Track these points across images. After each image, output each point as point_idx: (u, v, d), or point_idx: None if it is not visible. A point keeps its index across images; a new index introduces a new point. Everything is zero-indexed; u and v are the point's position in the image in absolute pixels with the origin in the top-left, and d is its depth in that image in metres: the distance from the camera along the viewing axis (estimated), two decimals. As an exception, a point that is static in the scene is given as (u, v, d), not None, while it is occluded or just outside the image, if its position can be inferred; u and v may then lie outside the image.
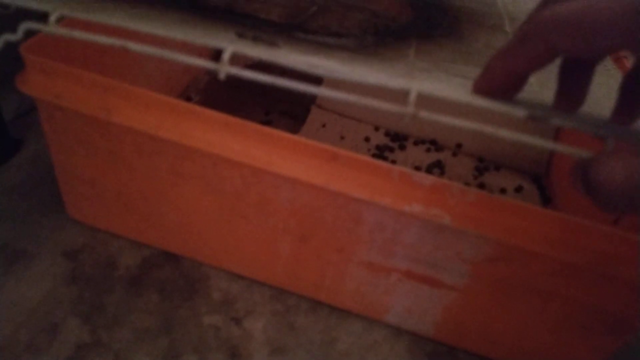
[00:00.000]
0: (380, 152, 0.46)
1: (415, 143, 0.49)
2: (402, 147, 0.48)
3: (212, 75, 0.54)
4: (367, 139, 0.47)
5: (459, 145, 0.48)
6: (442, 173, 0.45)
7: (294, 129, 0.47)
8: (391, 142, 0.48)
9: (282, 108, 0.50)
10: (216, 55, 0.34)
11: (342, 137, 0.47)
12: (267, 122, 0.48)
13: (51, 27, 0.18)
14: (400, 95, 0.17)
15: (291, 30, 0.28)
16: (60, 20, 0.19)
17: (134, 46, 0.18)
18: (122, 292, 0.32)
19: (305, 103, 0.50)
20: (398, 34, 0.30)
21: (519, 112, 0.17)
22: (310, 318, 0.33)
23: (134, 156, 0.29)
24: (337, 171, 0.25)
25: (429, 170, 0.45)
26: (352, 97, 0.17)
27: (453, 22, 0.33)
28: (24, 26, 0.18)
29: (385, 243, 0.28)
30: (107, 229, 0.35)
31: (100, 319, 0.31)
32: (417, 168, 0.45)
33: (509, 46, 0.19)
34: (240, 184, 0.28)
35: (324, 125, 0.48)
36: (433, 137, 0.48)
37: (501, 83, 0.19)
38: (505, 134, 0.17)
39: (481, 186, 0.45)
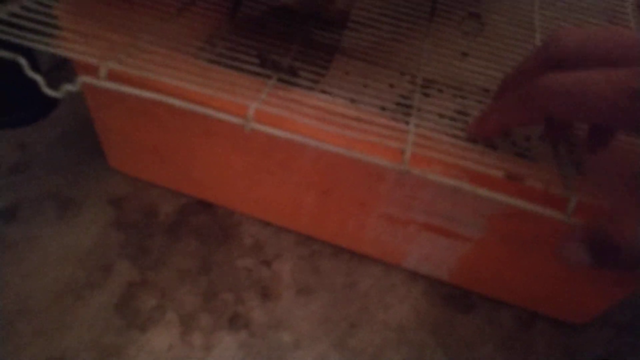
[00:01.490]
0: (404, 100, 0.46)
1: (440, 90, 0.48)
2: (427, 95, 0.48)
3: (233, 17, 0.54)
4: (391, 86, 0.47)
5: (486, 90, 0.48)
6: (466, 122, 0.46)
7: (319, 76, 0.48)
8: (415, 89, 0.48)
9: (308, 53, 0.50)
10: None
11: (365, 85, 0.47)
12: (292, 69, 0.48)
13: (102, 82, 0.20)
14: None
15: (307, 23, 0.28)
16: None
17: (175, 101, 0.20)
18: (164, 236, 0.36)
19: (330, 50, 0.49)
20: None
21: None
22: (332, 262, 0.36)
23: (167, 116, 0.31)
24: (358, 135, 0.27)
25: (454, 118, 0.46)
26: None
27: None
28: (80, 80, 0.20)
29: (405, 199, 0.30)
30: (146, 179, 0.38)
31: (146, 261, 0.34)
32: (442, 116, 0.46)
33: (507, 105, 0.20)
34: (266, 143, 0.30)
35: (347, 73, 0.48)
36: (458, 84, 0.48)
37: (493, 132, 0.22)
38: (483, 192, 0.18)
39: (507, 134, 0.45)
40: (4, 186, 0.37)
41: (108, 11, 0.29)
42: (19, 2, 0.25)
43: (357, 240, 0.35)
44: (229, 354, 0.30)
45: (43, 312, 0.31)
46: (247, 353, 0.31)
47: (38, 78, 0.22)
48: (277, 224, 0.37)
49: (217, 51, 0.29)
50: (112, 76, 0.23)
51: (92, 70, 0.23)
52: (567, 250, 0.19)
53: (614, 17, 0.38)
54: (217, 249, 0.35)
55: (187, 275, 0.34)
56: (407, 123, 0.27)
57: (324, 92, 0.29)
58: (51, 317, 0.31)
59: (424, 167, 0.24)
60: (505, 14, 0.37)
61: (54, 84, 0.43)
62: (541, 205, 0.22)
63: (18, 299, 0.31)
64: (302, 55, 0.32)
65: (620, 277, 0.30)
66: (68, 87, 0.21)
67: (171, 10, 0.30)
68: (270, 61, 0.28)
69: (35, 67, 0.39)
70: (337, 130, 0.24)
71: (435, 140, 0.26)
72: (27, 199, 0.37)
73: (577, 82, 0.16)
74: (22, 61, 0.22)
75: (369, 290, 0.35)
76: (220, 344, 0.31)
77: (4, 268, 0.33)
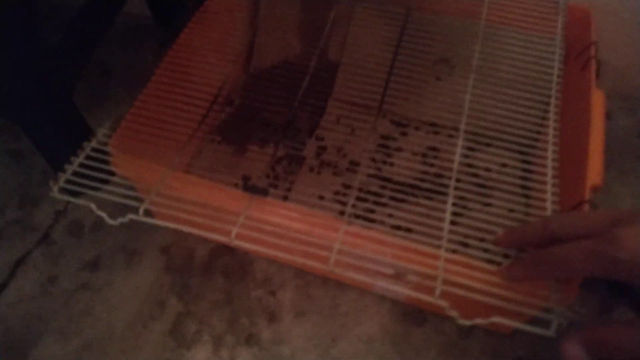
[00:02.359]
0: (384, 142, 0.57)
1: (416, 127, 0.58)
2: (404, 134, 0.57)
3: (248, 74, 0.65)
4: (374, 128, 0.57)
5: (455, 128, 0.56)
6: (436, 157, 0.55)
7: (314, 121, 0.58)
8: (395, 130, 0.58)
9: (306, 101, 0.61)
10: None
11: (353, 130, 0.58)
12: (292, 116, 0.59)
13: (141, 217, 0.33)
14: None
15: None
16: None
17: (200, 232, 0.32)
18: (200, 275, 0.50)
19: (324, 96, 0.60)
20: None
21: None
22: (322, 289, 0.48)
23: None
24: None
25: (425, 155, 0.55)
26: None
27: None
28: (129, 216, 0.33)
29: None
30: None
31: (188, 296, 0.48)
32: (415, 154, 0.56)
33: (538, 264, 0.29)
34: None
35: (338, 120, 0.58)
36: (433, 121, 0.57)
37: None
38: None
39: (469, 166, 0.54)
40: (89, 242, 0.52)
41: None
42: (84, 153, 0.39)
43: (339, 276, 0.47)
44: (246, 364, 0.44)
45: (122, 337, 0.46)
46: (258, 362, 0.44)
47: (103, 214, 0.35)
48: (280, 262, 0.50)
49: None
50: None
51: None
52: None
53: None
54: (237, 282, 0.49)
55: (217, 305, 0.48)
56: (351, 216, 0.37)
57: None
58: (128, 341, 0.46)
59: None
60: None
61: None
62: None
63: (106, 328, 0.47)
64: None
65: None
66: (132, 216, 0.34)
67: (183, 138, 0.42)
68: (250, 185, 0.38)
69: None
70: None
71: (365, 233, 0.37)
72: (105, 252, 0.52)
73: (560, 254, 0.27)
74: (93, 206, 0.35)
75: (348, 310, 0.47)
76: (240, 356, 0.45)
77: (95, 306, 0.48)
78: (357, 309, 0.47)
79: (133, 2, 0.59)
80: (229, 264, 0.50)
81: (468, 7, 0.51)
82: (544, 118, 0.44)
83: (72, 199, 0.37)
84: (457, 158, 0.41)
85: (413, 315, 0.47)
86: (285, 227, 0.36)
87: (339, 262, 0.34)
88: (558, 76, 0.45)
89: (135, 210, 0.35)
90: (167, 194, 0.37)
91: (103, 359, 0.45)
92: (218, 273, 0.50)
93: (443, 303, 0.32)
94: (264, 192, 0.37)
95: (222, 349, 0.45)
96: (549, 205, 0.37)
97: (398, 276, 0.35)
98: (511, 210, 0.38)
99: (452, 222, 0.37)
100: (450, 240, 0.35)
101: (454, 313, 0.32)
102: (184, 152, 0.41)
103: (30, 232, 0.54)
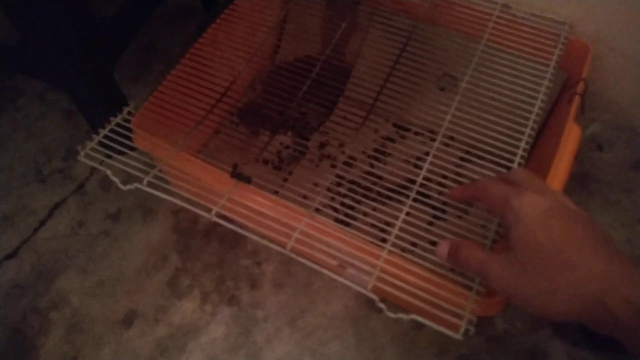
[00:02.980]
0: (382, 145, 0.61)
1: (416, 133, 0.62)
2: (404, 137, 0.62)
3: (273, 66, 0.71)
4: (376, 131, 0.62)
5: (451, 138, 0.60)
6: (418, 167, 0.59)
7: (323, 115, 0.64)
8: (395, 133, 0.62)
9: (319, 95, 0.66)
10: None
11: (357, 129, 0.62)
12: (304, 110, 0.65)
13: (144, 187, 0.40)
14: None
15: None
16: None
17: (189, 206, 0.39)
18: (200, 239, 0.57)
19: (336, 94, 0.65)
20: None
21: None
22: (300, 267, 0.55)
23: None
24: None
25: (416, 161, 0.60)
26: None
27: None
28: (135, 184, 0.40)
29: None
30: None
31: (187, 254, 0.56)
32: (407, 161, 0.60)
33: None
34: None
35: (345, 117, 0.63)
36: (431, 128, 0.61)
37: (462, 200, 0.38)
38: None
39: (457, 174, 0.58)
40: (114, 197, 0.61)
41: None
42: (110, 127, 0.46)
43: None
44: (224, 320, 0.52)
45: (129, 280, 0.55)
46: (235, 320, 0.52)
47: (116, 180, 0.43)
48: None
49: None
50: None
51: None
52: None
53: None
54: (229, 250, 0.56)
55: (209, 267, 0.56)
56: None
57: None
58: (133, 284, 0.55)
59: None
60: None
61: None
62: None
63: (117, 272, 0.56)
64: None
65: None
66: (138, 185, 0.42)
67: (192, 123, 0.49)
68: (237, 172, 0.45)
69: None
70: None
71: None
72: (127, 207, 0.60)
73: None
74: (109, 172, 0.43)
75: (319, 289, 0.54)
76: (221, 312, 0.53)
77: (112, 252, 0.57)
78: (328, 289, 0.54)
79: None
80: (226, 233, 0.58)
81: (473, 25, 0.54)
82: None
83: (95, 164, 0.45)
84: (436, 164, 0.46)
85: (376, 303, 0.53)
86: (257, 213, 0.42)
87: (294, 249, 0.40)
88: (540, 107, 0.48)
89: (141, 180, 0.43)
90: (167, 170, 0.44)
91: (112, 296, 0.54)
92: (215, 240, 0.57)
93: (373, 296, 0.38)
94: (247, 180, 0.44)
95: (207, 304, 0.53)
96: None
97: (340, 267, 0.41)
98: (483, 226, 0.42)
99: (429, 223, 0.42)
100: (395, 244, 0.40)
101: (382, 305, 0.37)
102: (193, 135, 0.48)
103: (69, 181, 0.63)
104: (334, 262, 0.41)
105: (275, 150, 0.62)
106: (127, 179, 0.43)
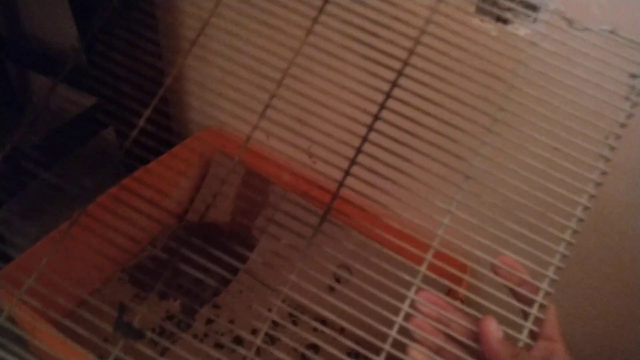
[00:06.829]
0: (274, 328, 0.59)
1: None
2: (295, 323, 0.60)
3: (180, 225, 0.71)
4: (269, 310, 0.61)
5: (342, 330, 0.60)
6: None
7: (217, 289, 0.62)
8: (290, 316, 0.61)
9: (219, 264, 0.65)
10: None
11: (250, 306, 0.61)
12: (202, 276, 0.63)
13: None
14: None
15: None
16: None
17: None
18: None
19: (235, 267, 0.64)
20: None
21: None
22: None
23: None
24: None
25: (304, 352, 0.58)
26: None
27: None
28: None
29: None
30: None
31: None
32: (295, 350, 0.58)
33: None
34: None
35: (241, 292, 0.62)
36: (323, 317, 0.61)
37: None
38: None
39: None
40: None
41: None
42: None
43: None
44: None
45: None
46: None
47: None
48: None
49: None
50: None
51: None
52: None
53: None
54: None
55: None
56: None
57: None
58: None
59: None
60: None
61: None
62: None
63: None
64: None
65: None
66: None
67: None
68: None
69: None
70: None
71: None
72: None
73: None
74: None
75: None
76: None
77: None
78: None
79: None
80: None
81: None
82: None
83: None
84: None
85: None
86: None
87: None
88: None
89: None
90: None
91: None
92: None
93: None
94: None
95: None
96: None
97: None
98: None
99: None
100: None
101: None
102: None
103: None
104: None
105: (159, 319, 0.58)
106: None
